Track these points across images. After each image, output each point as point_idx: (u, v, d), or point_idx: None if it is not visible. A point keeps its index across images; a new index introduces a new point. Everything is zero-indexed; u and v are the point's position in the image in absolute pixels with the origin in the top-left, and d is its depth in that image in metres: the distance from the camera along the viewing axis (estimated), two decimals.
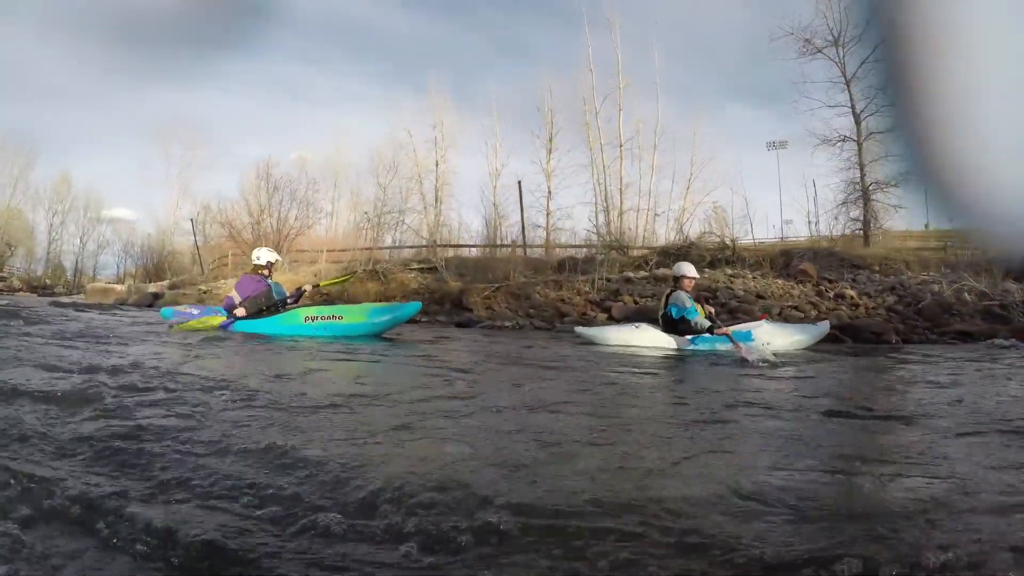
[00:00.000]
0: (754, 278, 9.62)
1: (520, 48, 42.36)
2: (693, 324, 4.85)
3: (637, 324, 5.22)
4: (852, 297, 8.22)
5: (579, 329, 5.50)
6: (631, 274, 10.09)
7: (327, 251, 15.66)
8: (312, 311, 5.58)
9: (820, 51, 12.70)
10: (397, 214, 19.06)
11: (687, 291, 5.09)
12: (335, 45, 49.39)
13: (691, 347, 4.87)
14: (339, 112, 56.05)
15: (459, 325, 8.49)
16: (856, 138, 12.45)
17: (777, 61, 13.95)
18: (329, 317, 5.41)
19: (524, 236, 14.02)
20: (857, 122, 12.39)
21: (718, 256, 10.91)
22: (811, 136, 13.31)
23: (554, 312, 8.66)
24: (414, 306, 5.88)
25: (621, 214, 17.28)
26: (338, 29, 47.86)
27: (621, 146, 18.25)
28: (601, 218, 17.31)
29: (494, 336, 6.79)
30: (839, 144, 12.87)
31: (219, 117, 57.90)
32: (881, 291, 8.32)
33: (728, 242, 11.48)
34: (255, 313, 5.44)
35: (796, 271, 9.87)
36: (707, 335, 4.88)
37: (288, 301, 5.87)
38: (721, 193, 17.40)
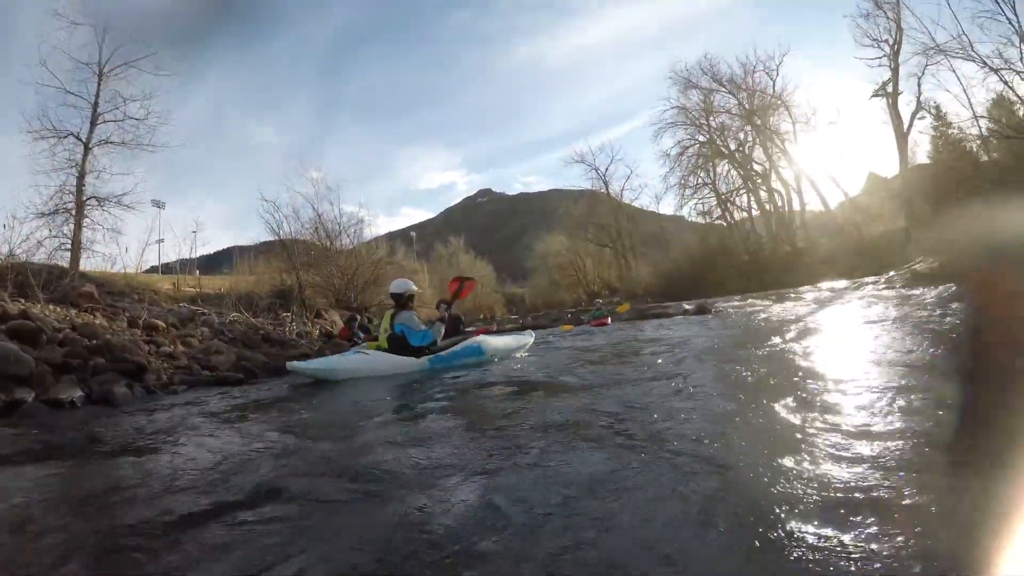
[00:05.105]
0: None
1: None
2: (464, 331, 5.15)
3: (364, 351, 4.92)
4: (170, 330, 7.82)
5: (297, 364, 4.63)
6: None
7: None
8: None
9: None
10: None
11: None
12: None
13: (430, 367, 4.78)
14: None
15: None
16: (86, 141, 11.16)
17: None
18: None
19: None
20: (93, 123, 11.23)
21: None
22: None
23: None
24: None
25: None
26: None
27: None
28: None
29: None
30: (55, 140, 10.90)
31: None
32: (184, 320, 8.57)
33: None
34: None
35: (78, 295, 8.20)
36: (442, 353, 4.87)
37: None
38: None
